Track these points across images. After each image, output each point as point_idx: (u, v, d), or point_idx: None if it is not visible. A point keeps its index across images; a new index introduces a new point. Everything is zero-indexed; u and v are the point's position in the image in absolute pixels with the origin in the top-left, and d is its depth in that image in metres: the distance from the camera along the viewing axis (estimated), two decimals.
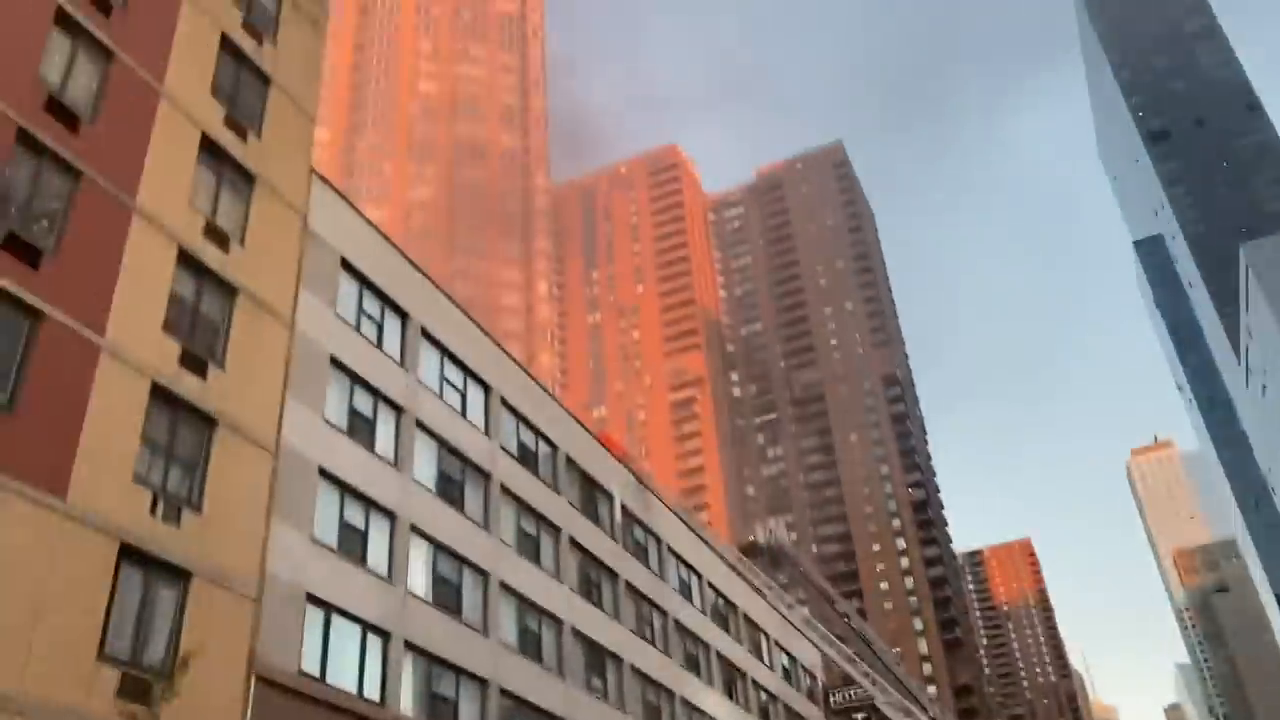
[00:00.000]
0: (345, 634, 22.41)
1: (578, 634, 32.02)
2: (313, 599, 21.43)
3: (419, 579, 25.33)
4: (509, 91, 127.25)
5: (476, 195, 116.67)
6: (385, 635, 23.36)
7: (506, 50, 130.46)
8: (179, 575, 18.30)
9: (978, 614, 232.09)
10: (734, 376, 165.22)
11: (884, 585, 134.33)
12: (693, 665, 40.34)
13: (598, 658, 33.20)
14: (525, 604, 29.77)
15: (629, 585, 36.63)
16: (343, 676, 21.90)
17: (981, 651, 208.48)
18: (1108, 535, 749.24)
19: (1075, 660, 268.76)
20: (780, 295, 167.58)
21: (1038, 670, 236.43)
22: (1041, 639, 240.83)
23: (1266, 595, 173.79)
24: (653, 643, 37.39)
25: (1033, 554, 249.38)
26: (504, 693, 27.12)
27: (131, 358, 18.53)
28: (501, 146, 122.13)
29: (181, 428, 19.44)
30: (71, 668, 15.72)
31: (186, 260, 20.58)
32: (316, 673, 21.05)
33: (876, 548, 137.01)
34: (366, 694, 22.29)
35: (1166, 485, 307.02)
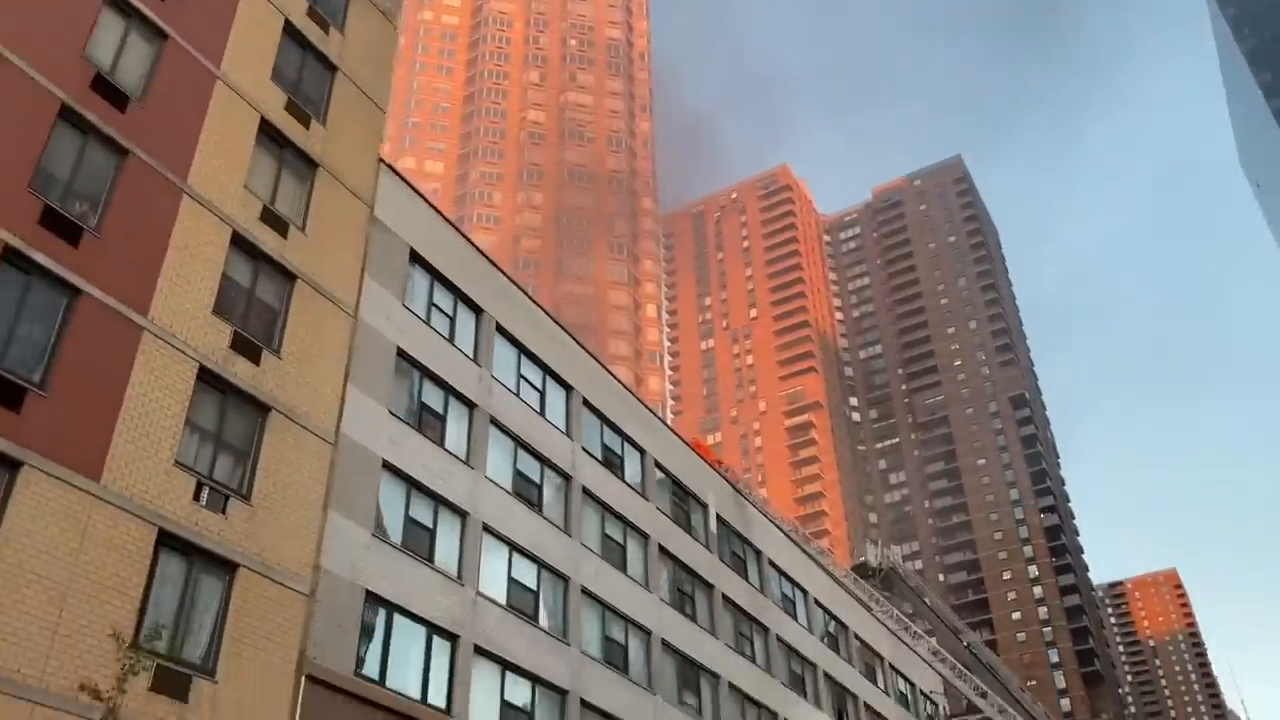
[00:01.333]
0: (409, 636, 21.30)
1: (668, 646, 30.29)
2: (373, 597, 20.39)
3: (492, 581, 24.11)
4: (616, 117, 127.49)
5: (583, 220, 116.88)
6: (453, 638, 22.17)
7: (613, 75, 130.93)
8: (224, 566, 17.46)
9: (1120, 649, 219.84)
10: (853, 400, 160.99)
11: (1016, 615, 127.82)
12: (798, 685, 38.05)
13: (691, 672, 31.39)
14: (610, 612, 28.26)
15: (726, 598, 34.73)
16: (405, 681, 20.76)
17: (1125, 688, 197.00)
18: (1262, 559, 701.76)
19: (1231, 697, 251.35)
20: (900, 316, 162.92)
21: (1189, 708, 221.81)
22: (1193, 675, 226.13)
23: None
24: (753, 659, 35.33)
25: (1179, 585, 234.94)
26: (585, 704, 25.61)
27: (177, 339, 17.90)
28: (608, 170, 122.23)
29: (231, 414, 18.71)
30: (101, 659, 14.90)
31: (241, 244, 19.99)
32: (375, 675, 19.96)
33: (1007, 575, 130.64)
34: (431, 700, 21.08)
35: None
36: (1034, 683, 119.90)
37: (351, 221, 23.10)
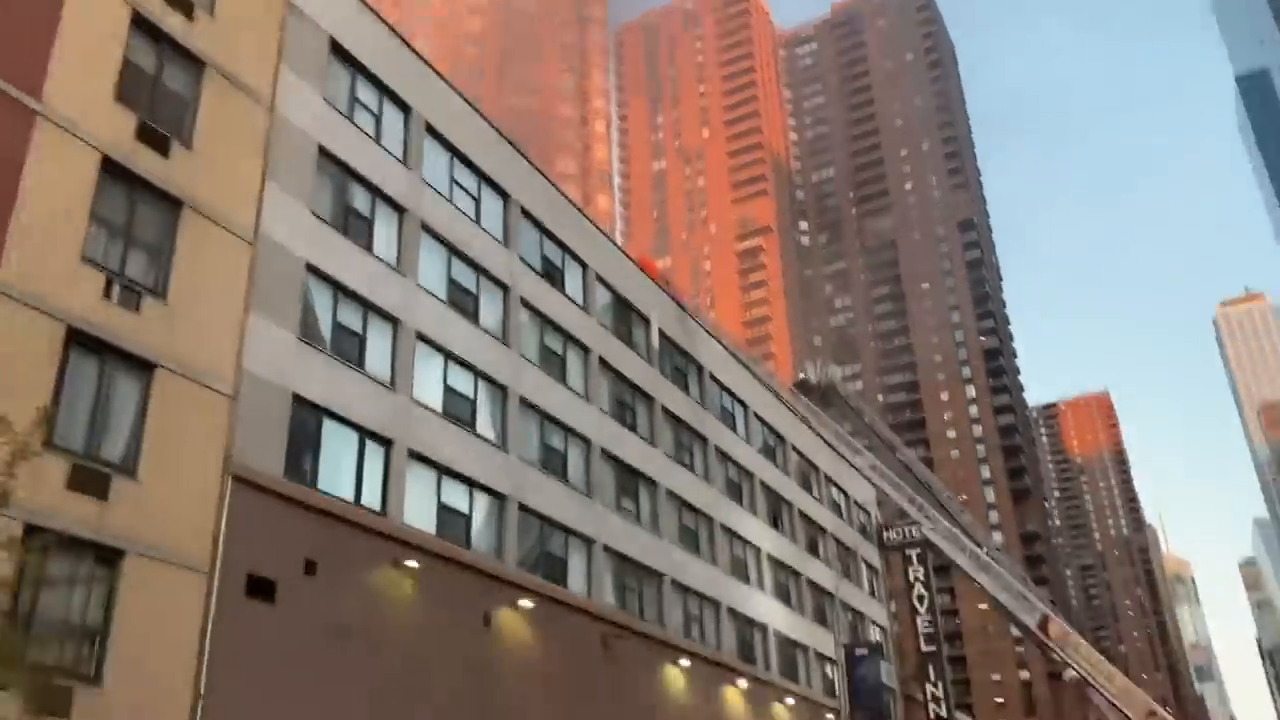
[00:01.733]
0: (341, 440, 21.15)
1: (608, 455, 30.68)
2: (302, 401, 20.07)
3: (427, 389, 23.90)
4: None
5: (529, 27, 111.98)
6: (387, 443, 22.08)
7: None
8: (141, 366, 16.92)
9: (1050, 466, 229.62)
10: (803, 225, 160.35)
11: (951, 434, 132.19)
12: (735, 493, 39.10)
13: (630, 480, 31.96)
14: (549, 422, 28.37)
15: (666, 410, 35.10)
16: (338, 483, 20.75)
17: (1052, 503, 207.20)
18: (1190, 389, 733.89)
19: (1149, 514, 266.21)
20: (854, 138, 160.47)
21: (1110, 523, 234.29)
22: (1115, 492, 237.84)
23: None
24: (691, 468, 36.09)
25: (1109, 407, 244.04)
26: (524, 508, 25.99)
27: (77, 127, 16.73)
28: None
29: (142, 209, 17.76)
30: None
31: (143, 25, 18.51)
32: (306, 478, 19.87)
33: (945, 397, 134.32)
34: (365, 502, 21.16)
35: (1256, 338, 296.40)
36: (965, 498, 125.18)
37: (264, 4, 21.51)
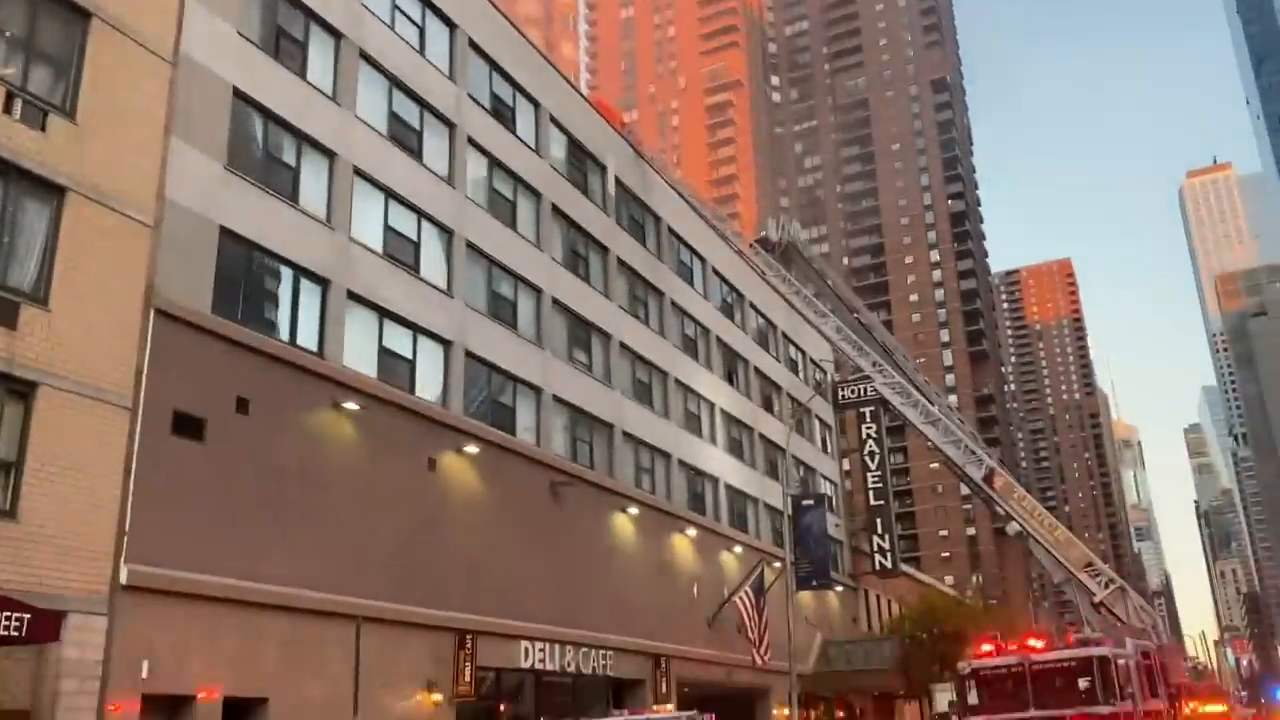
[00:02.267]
0: (274, 277, 20.32)
1: (559, 304, 30.04)
2: (231, 235, 19.09)
3: (367, 228, 22.92)
4: None
5: None
6: (324, 282, 21.26)
7: None
8: (49, 189, 15.83)
9: (1009, 332, 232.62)
10: (774, 80, 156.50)
11: (914, 297, 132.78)
12: (690, 348, 38.80)
13: (582, 330, 31.44)
14: (498, 268, 27.57)
15: (621, 261, 34.34)
16: (271, 322, 20.00)
17: (1009, 367, 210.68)
18: (1152, 259, 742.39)
19: (1102, 380, 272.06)
20: None
21: (1063, 388, 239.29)
22: (1070, 358, 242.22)
23: None
24: (646, 321, 35.61)
25: (1071, 275, 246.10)
26: (470, 355, 25.44)
27: None
28: None
29: (44, 19, 16.34)
30: None
31: None
32: (237, 315, 19.07)
33: (909, 260, 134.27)
34: (301, 343, 20.47)
35: (1219, 208, 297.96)
36: (923, 360, 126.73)
37: None
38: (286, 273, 20.57)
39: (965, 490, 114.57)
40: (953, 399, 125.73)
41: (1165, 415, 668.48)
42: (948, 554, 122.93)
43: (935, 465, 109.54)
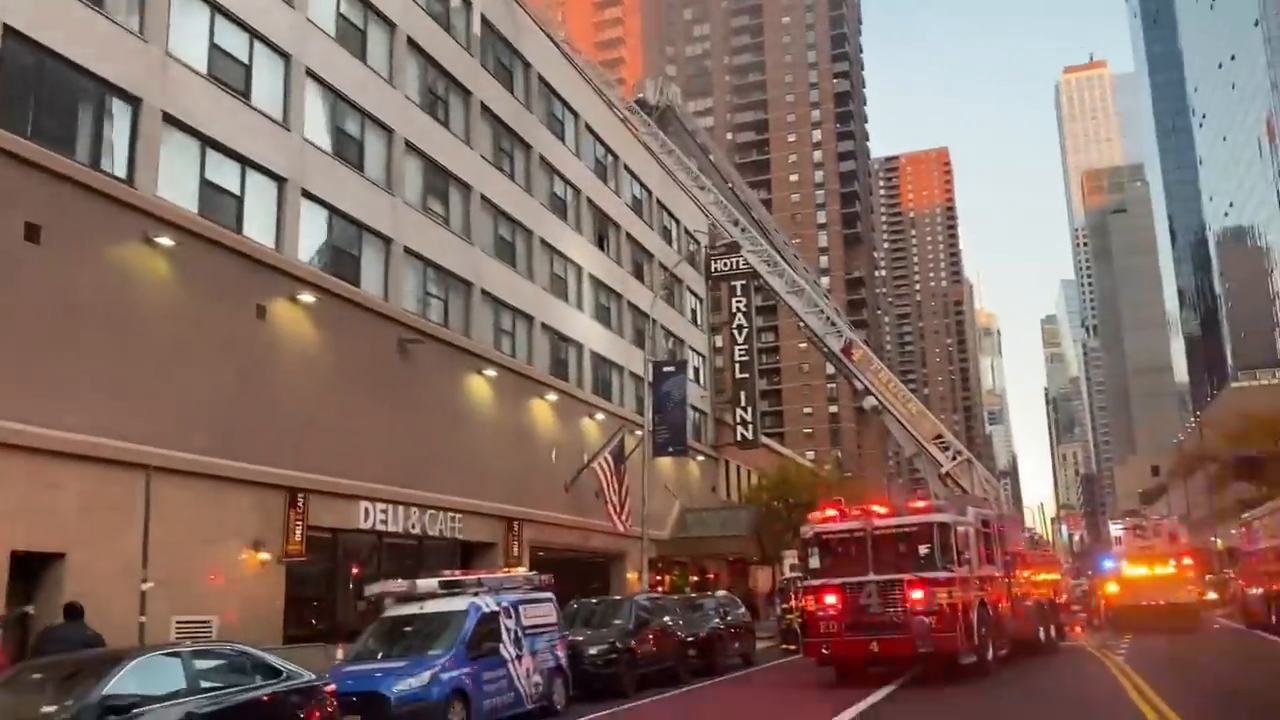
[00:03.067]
0: (72, 89, 17.88)
1: (414, 149, 28.01)
2: (16, 35, 16.54)
3: (188, 45, 20.42)
4: None
5: None
6: (135, 102, 18.90)
7: None
8: None
9: (884, 218, 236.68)
10: None
11: (794, 177, 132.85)
12: (558, 208, 37.22)
13: (440, 180, 29.52)
14: (343, 102, 25.32)
15: (485, 108, 32.24)
16: (68, 141, 17.68)
17: (881, 253, 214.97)
18: (1025, 154, 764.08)
19: (969, 270, 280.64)
20: None
21: (931, 275, 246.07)
22: (940, 247, 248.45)
23: (1160, 217, 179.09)
24: (511, 176, 33.82)
25: (947, 164, 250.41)
26: (308, 195, 23.43)
27: None
28: None
29: None
30: None
31: None
32: (23, 129, 16.69)
33: (792, 138, 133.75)
34: (106, 167, 18.22)
35: (1091, 106, 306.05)
36: (799, 240, 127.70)
37: None
38: (89, 87, 18.16)
39: (830, 370, 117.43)
40: (825, 280, 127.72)
41: (1025, 306, 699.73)
42: (810, 430, 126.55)
43: (804, 345, 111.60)
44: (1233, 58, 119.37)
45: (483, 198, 31.36)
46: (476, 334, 30.26)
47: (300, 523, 21.58)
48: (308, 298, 22.59)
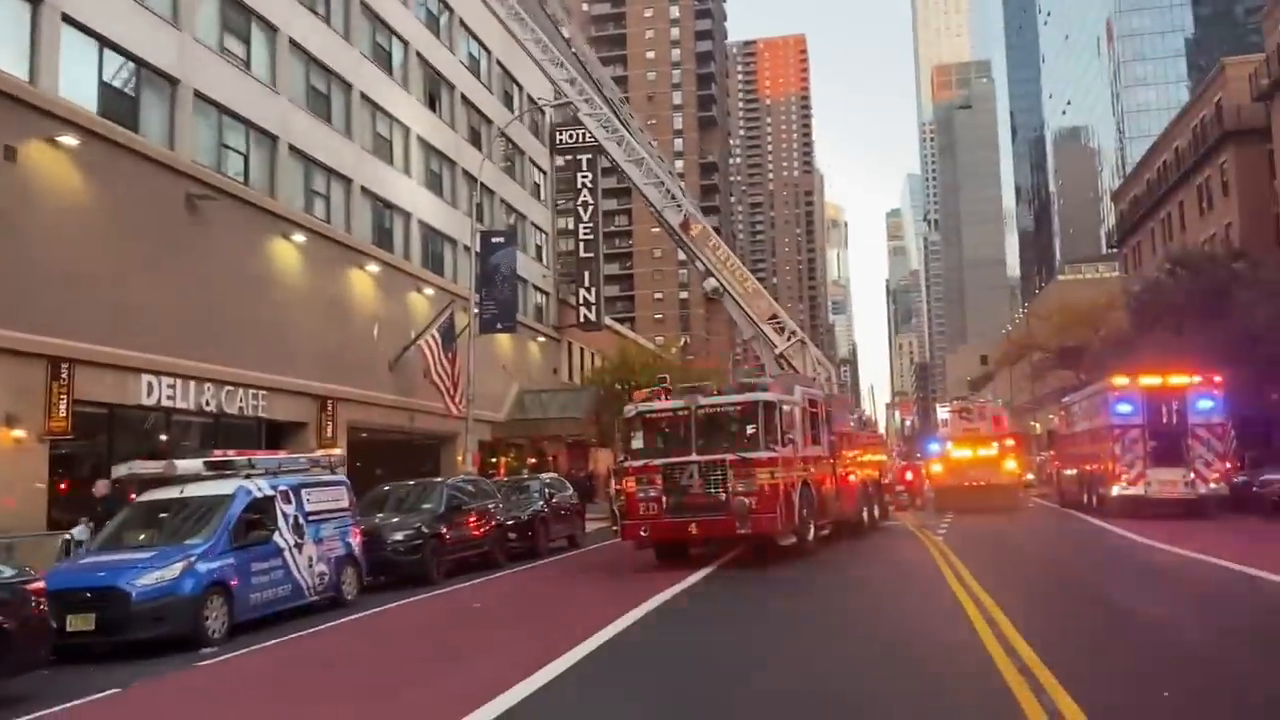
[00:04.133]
0: None
1: None
2: None
3: None
4: None
5: None
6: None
7: None
8: None
9: (740, 104, 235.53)
10: None
11: (650, 54, 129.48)
12: (383, 60, 34.14)
13: (239, 17, 26.19)
14: None
15: None
16: None
17: (737, 140, 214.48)
18: (880, 46, 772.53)
19: (820, 161, 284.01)
20: None
21: (785, 165, 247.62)
22: (794, 136, 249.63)
23: (1003, 113, 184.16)
24: (325, 19, 30.55)
25: (804, 52, 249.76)
26: (71, 21, 20.13)
27: None
28: None
29: None
30: None
31: None
32: None
33: (649, 13, 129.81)
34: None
35: (945, 1, 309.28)
36: (654, 121, 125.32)
37: None
38: None
39: (683, 256, 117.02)
40: (679, 164, 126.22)
41: (872, 199, 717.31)
42: (661, 316, 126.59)
43: (657, 230, 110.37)
44: None
45: (291, 41, 28.17)
46: (284, 194, 27.49)
47: (65, 396, 19.06)
48: (70, 140, 19.56)
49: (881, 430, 49.46)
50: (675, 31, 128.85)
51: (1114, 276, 72.81)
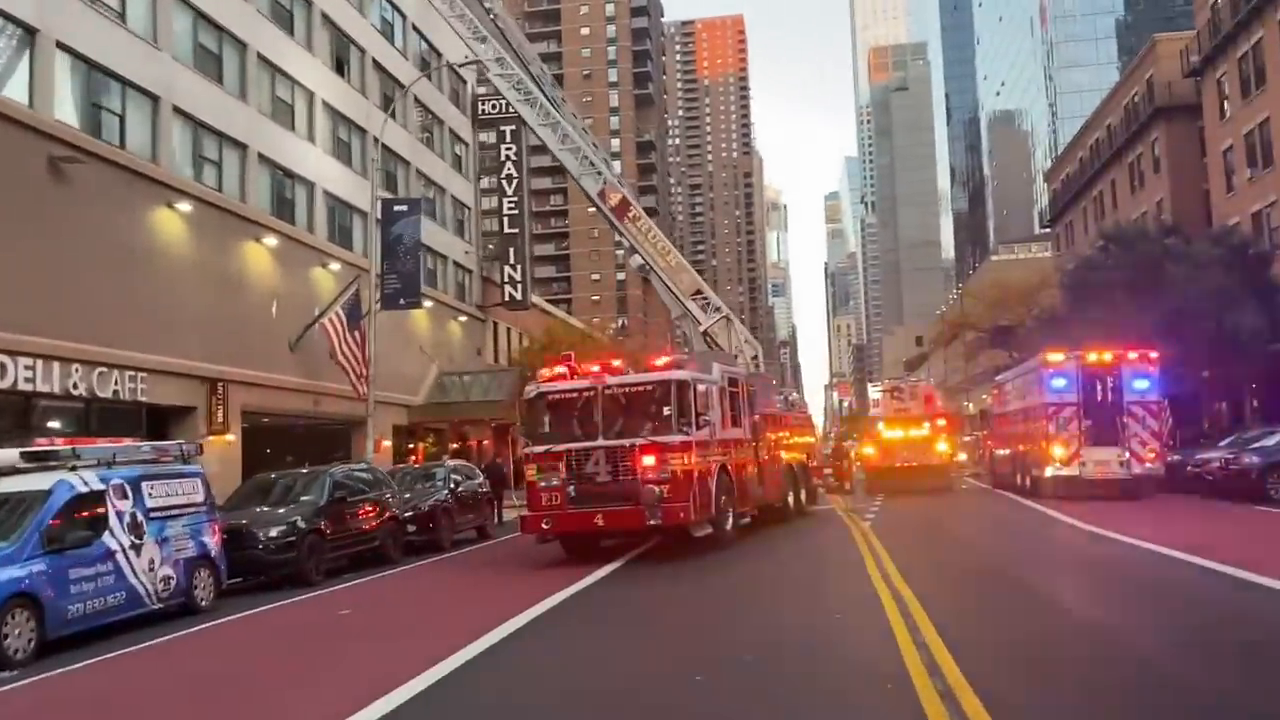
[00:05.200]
0: None
1: None
2: None
3: None
4: None
5: None
6: None
7: None
8: None
9: (679, 85, 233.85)
10: None
11: (585, 31, 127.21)
12: (282, 19, 31.92)
13: None
14: None
15: None
16: None
17: (676, 122, 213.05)
18: (818, 27, 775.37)
19: (760, 144, 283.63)
20: None
21: (724, 146, 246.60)
22: (733, 117, 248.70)
23: (938, 95, 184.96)
24: None
25: (742, 32, 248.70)
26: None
27: None
28: None
29: None
30: None
31: None
32: None
33: (585, 10, 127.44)
34: None
35: None
36: (590, 99, 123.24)
37: None
38: None
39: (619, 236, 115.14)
40: (615, 142, 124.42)
41: (811, 182, 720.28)
42: (598, 298, 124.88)
43: (593, 210, 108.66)
44: None
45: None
46: (166, 158, 25.30)
47: None
48: None
49: (819, 411, 48.47)
50: (610, 8, 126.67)
51: (1047, 256, 72.75)
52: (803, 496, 24.19)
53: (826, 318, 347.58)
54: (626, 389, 16.44)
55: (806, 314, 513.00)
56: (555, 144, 25.75)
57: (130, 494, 12.48)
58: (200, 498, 14.00)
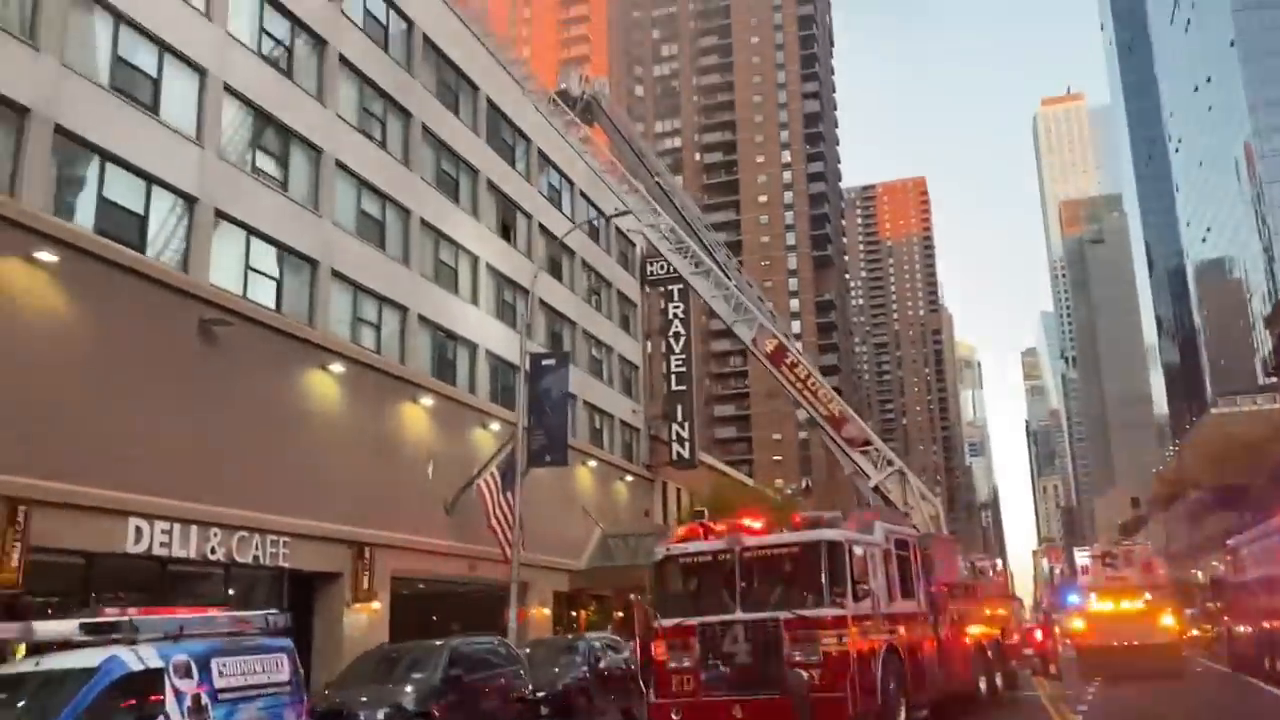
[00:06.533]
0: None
1: (236, 95, 23.27)
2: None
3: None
4: None
5: None
6: None
7: None
8: None
9: (861, 247, 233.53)
10: None
11: (762, 198, 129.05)
12: (447, 187, 32.57)
13: (276, 136, 24.78)
14: (127, 25, 20.65)
15: (345, 61, 27.62)
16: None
17: (859, 283, 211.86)
18: (1004, 185, 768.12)
19: (948, 300, 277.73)
20: None
21: (909, 304, 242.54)
22: (918, 276, 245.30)
23: (1137, 246, 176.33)
24: (383, 145, 29.17)
25: (925, 193, 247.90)
26: (64, 132, 18.67)
27: None
28: None
29: None
30: None
31: None
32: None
33: (760, 159, 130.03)
34: None
35: (1069, 137, 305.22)
36: (768, 262, 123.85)
37: None
38: None
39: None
40: (794, 303, 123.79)
41: (1006, 338, 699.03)
42: (780, 457, 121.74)
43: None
44: (1209, 80, 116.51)
45: (338, 163, 26.67)
46: (323, 322, 25.44)
47: (19, 543, 16.62)
48: (48, 256, 17.73)
49: (1029, 581, 43.67)
50: (788, 175, 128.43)
51: (1276, 408, 65.54)
52: (997, 680, 20.72)
53: (1031, 478, 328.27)
54: (768, 551, 14.22)
55: (1009, 475, 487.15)
56: (708, 290, 24.44)
57: (196, 672, 11.12)
58: (285, 676, 12.52)
